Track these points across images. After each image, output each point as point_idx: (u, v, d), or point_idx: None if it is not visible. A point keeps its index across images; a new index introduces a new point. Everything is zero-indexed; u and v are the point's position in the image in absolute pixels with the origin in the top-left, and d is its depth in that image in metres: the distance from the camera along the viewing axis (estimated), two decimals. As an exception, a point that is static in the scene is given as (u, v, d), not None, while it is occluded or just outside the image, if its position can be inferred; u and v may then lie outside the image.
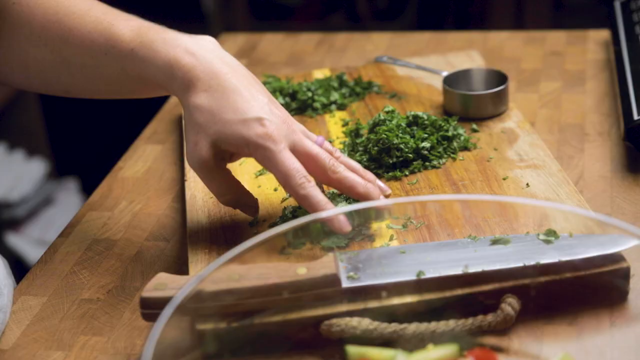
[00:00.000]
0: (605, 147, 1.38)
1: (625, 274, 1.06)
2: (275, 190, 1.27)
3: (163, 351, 0.81)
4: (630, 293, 1.06)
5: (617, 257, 1.06)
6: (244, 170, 1.33)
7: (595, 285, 1.05)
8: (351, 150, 1.33)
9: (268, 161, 1.09)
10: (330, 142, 1.39)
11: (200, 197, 1.28)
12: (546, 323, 1.04)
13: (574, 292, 1.05)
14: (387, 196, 1.18)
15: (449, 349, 0.91)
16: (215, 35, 1.32)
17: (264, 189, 1.28)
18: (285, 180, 1.09)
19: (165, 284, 1.05)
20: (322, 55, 1.80)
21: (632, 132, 1.31)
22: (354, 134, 1.36)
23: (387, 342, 1.00)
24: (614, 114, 1.46)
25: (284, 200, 1.25)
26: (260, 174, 1.31)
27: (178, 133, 1.55)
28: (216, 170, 1.13)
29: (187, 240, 1.19)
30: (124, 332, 1.11)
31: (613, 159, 1.35)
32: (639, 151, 1.33)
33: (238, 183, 1.18)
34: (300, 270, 1.03)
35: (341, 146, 1.36)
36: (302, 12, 3.75)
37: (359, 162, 1.30)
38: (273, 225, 1.18)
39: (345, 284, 1.04)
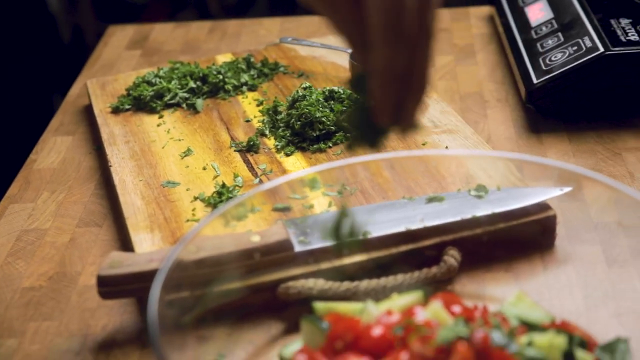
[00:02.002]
0: (506, 111, 1.47)
1: (552, 222, 1.14)
2: (204, 169, 1.30)
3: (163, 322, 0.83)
4: (557, 238, 1.15)
5: (543, 206, 1.14)
6: (169, 153, 1.35)
7: (526, 234, 1.13)
8: (272, 127, 1.37)
9: None
10: (248, 121, 1.42)
11: (130, 181, 1.29)
12: (486, 271, 1.11)
13: (508, 241, 1.12)
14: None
15: (414, 296, 0.96)
16: (95, 29, 1.33)
17: (192, 168, 1.30)
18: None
19: (120, 262, 1.06)
20: (217, 42, 1.82)
21: (533, 95, 1.41)
22: (272, 111, 1.40)
23: (341, 300, 1.05)
24: (508, 82, 1.56)
25: (215, 177, 1.27)
26: (186, 155, 1.33)
27: (86, 123, 1.55)
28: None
29: (126, 222, 1.20)
30: (75, 314, 1.11)
31: (515, 122, 1.44)
32: (540, 113, 1.43)
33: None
34: (254, 238, 1.07)
35: (260, 124, 1.40)
36: (152, 10, 3.73)
37: (282, 137, 1.34)
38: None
39: (298, 248, 1.08)
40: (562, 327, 0.91)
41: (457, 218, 1.11)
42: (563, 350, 0.86)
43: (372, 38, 0.78)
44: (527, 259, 1.13)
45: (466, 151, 1.25)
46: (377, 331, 0.85)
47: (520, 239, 1.13)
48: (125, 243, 1.22)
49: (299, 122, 1.33)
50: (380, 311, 0.92)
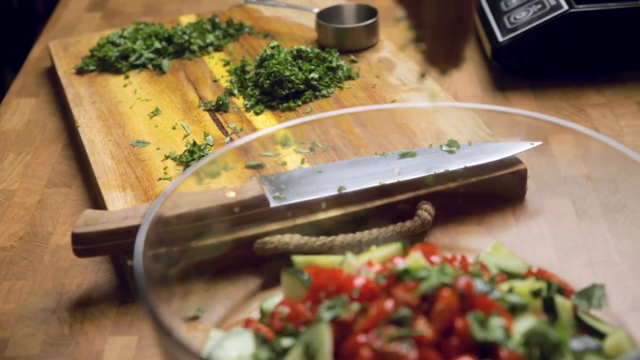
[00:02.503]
0: (472, 70, 1.48)
1: (522, 175, 1.16)
2: (174, 128, 1.29)
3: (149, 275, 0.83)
4: (528, 192, 1.16)
5: (514, 161, 1.16)
6: (137, 113, 1.34)
7: (497, 187, 1.14)
8: (240, 86, 1.37)
9: None
10: (215, 81, 1.42)
11: (99, 141, 1.28)
12: (459, 224, 1.12)
13: (480, 195, 1.14)
14: None
15: (393, 248, 0.97)
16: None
17: (162, 128, 1.30)
18: None
19: (94, 219, 1.06)
20: (179, 4, 1.81)
21: (498, 54, 1.42)
22: (240, 71, 1.40)
23: (317, 254, 1.05)
24: (473, 40, 1.57)
25: (185, 136, 1.27)
26: (154, 115, 1.33)
27: (49, 85, 1.53)
28: None
29: (96, 182, 1.19)
30: (49, 273, 1.10)
31: (481, 80, 1.45)
32: (505, 71, 1.44)
33: None
34: (229, 194, 1.07)
35: (228, 84, 1.39)
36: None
37: (251, 96, 1.34)
38: None
39: (273, 203, 1.08)
40: (540, 275, 0.92)
41: (430, 173, 1.12)
42: (542, 297, 0.87)
43: None
44: (499, 212, 1.14)
45: (438, 104, 1.26)
46: (359, 281, 0.86)
47: (492, 193, 1.14)
48: (96, 203, 1.21)
49: (267, 81, 1.33)
50: (360, 263, 0.92)
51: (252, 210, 1.07)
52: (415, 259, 0.88)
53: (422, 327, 0.78)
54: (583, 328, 0.88)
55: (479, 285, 0.83)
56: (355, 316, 0.82)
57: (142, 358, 0.98)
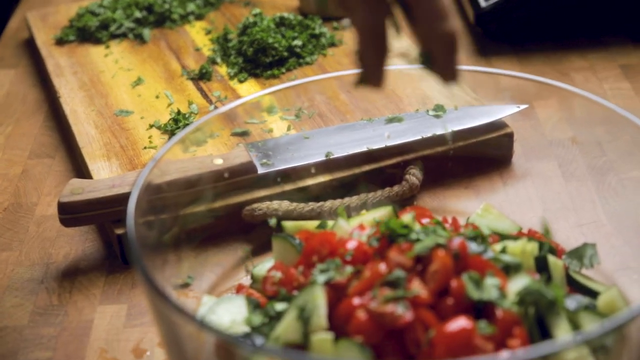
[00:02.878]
0: (455, 36, 1.48)
1: (509, 139, 1.16)
2: (157, 97, 1.28)
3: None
4: (515, 156, 1.16)
5: (500, 124, 1.16)
6: (119, 82, 1.33)
7: (484, 151, 1.14)
8: (223, 54, 1.36)
9: None
10: (197, 50, 1.40)
11: (81, 111, 1.26)
12: (446, 188, 1.12)
13: (468, 159, 1.14)
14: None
15: (384, 211, 0.97)
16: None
17: (145, 97, 1.29)
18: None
19: (81, 188, 1.05)
20: (156, -26, 1.79)
21: (481, 19, 1.42)
22: (223, 39, 1.39)
23: (306, 220, 1.05)
24: (455, 6, 1.56)
25: (169, 105, 1.26)
26: (137, 84, 1.31)
27: (28, 56, 1.51)
28: None
29: (81, 152, 1.18)
30: (35, 244, 1.09)
31: (464, 46, 1.45)
32: (488, 36, 1.44)
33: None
34: (217, 160, 1.06)
35: (211, 52, 1.38)
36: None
37: (234, 64, 1.33)
38: None
39: (261, 170, 1.07)
40: (531, 236, 0.92)
41: (418, 137, 1.12)
42: (535, 256, 0.87)
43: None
44: (487, 176, 1.14)
45: (409, 66, 1.25)
46: (352, 244, 0.85)
47: (479, 157, 1.14)
48: (80, 173, 1.20)
49: (251, 49, 1.32)
50: (352, 226, 0.92)
51: (240, 177, 1.06)
52: (407, 221, 0.88)
53: (417, 288, 0.78)
54: (575, 287, 0.88)
55: (473, 245, 0.83)
56: (349, 279, 0.82)
57: (133, 326, 0.98)
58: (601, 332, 0.69)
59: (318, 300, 0.80)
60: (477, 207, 1.06)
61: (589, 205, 1.07)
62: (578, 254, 0.92)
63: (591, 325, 0.80)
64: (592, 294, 0.87)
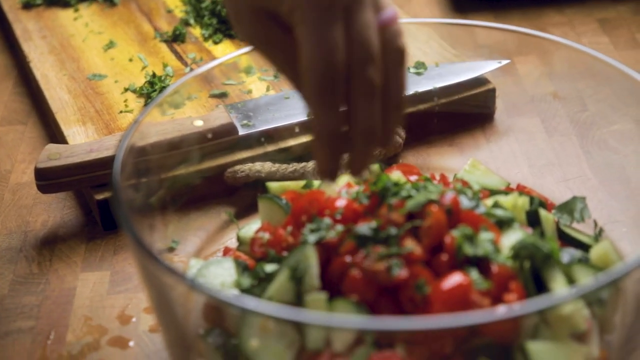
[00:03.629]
0: (430, -7, 1.47)
1: (491, 95, 1.15)
2: (130, 60, 1.25)
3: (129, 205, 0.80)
4: (497, 112, 1.15)
5: (482, 81, 1.14)
6: (90, 46, 1.29)
7: (467, 108, 1.13)
8: (197, 16, 1.33)
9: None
10: (169, 12, 1.37)
11: (53, 75, 1.23)
12: (430, 146, 1.11)
13: (450, 116, 1.12)
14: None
15: (372, 168, 0.95)
16: None
17: (118, 60, 1.26)
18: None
19: (58, 154, 1.02)
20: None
21: (457, -24, 1.40)
22: (195, 0, 1.36)
23: (289, 181, 1.03)
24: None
25: (143, 68, 1.23)
26: (109, 47, 1.28)
27: (-6, 22, 1.47)
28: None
29: (55, 117, 1.15)
30: (12, 212, 1.07)
31: (440, 2, 1.43)
32: (464, -7, 1.42)
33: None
34: (197, 122, 1.04)
35: (184, 14, 1.35)
36: None
37: (209, 25, 1.30)
38: None
39: (242, 131, 1.05)
40: (520, 190, 0.92)
41: (400, 95, 1.10)
42: (526, 211, 0.86)
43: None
44: (470, 133, 1.13)
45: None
46: (341, 202, 0.84)
47: (462, 113, 1.13)
48: (54, 139, 1.17)
49: (225, 9, 1.29)
50: (339, 185, 0.90)
51: (221, 139, 1.04)
52: (396, 178, 0.86)
53: (411, 244, 0.77)
54: (566, 241, 0.88)
55: (465, 201, 0.82)
56: (340, 238, 0.80)
57: (117, 293, 0.96)
58: (600, 284, 0.68)
59: (310, 259, 0.78)
60: (461, 164, 1.05)
61: (573, 160, 1.06)
62: (568, 208, 0.91)
63: (586, 278, 0.79)
64: (584, 247, 0.87)
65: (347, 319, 0.74)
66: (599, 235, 0.90)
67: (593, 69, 1.05)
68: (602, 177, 1.03)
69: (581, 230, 0.92)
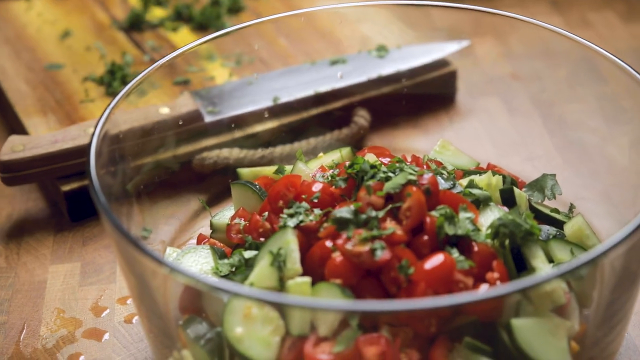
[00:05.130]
0: (384, -23, 1.47)
1: (452, 76, 1.16)
2: (88, 49, 1.24)
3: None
4: (458, 93, 1.16)
5: (443, 63, 1.15)
6: (45, 36, 1.27)
7: (429, 90, 1.14)
8: (154, 3, 1.32)
9: None
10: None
11: (9, 66, 1.21)
12: (394, 128, 1.12)
13: (413, 98, 1.13)
14: None
15: (344, 152, 0.95)
16: None
17: (75, 50, 1.24)
18: None
19: (22, 145, 1.01)
20: None
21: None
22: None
23: (257, 166, 1.03)
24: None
25: (101, 57, 1.22)
26: (65, 37, 1.26)
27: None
28: None
29: (14, 109, 1.13)
30: (-25, 206, 1.05)
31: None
32: (418, -24, 1.43)
33: None
34: (163, 110, 1.03)
35: (139, 1, 1.33)
36: None
37: (164, 13, 1.29)
38: None
39: (208, 118, 1.05)
40: (492, 169, 0.92)
41: (363, 78, 1.10)
42: (500, 189, 0.87)
43: None
44: (433, 114, 1.14)
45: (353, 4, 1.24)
46: (317, 186, 0.84)
47: (425, 95, 1.14)
48: (13, 131, 1.15)
49: (182, -4, 1.28)
50: (311, 169, 0.90)
51: (188, 126, 1.03)
52: (371, 160, 0.86)
53: (392, 226, 0.77)
54: (538, 218, 0.89)
55: (441, 181, 0.82)
56: (319, 222, 0.80)
57: (89, 284, 0.95)
58: (583, 262, 0.68)
59: (291, 244, 0.78)
60: (427, 145, 1.06)
61: (537, 139, 1.08)
62: (539, 185, 0.92)
63: (562, 253, 0.80)
64: (554, 223, 0.88)
65: (335, 302, 0.74)
66: (570, 211, 0.91)
67: (549, 47, 1.06)
68: (566, 155, 1.05)
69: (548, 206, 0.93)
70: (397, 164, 0.83)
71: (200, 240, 0.92)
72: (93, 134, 0.82)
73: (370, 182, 0.81)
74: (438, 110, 1.14)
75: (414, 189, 0.79)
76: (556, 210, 0.90)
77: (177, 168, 1.02)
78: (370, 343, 0.72)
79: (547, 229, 0.83)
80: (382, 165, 0.84)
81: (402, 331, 0.74)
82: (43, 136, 1.02)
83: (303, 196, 0.84)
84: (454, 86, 1.15)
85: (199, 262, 0.85)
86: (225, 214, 0.93)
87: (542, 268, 0.76)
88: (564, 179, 1.00)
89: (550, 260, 0.80)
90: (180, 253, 0.86)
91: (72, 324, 0.90)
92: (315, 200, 0.83)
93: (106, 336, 0.89)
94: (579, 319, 0.77)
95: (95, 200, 0.76)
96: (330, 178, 0.85)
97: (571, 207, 0.92)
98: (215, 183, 1.01)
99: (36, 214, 1.04)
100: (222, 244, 0.89)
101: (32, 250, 0.99)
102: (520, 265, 0.79)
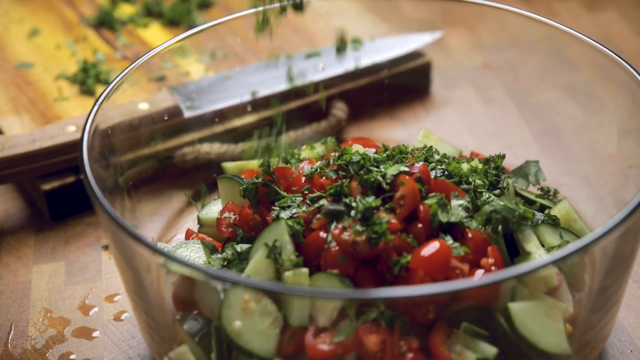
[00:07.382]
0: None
1: (427, 68, 1.16)
2: (58, 47, 1.22)
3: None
4: (433, 85, 1.17)
5: (417, 54, 1.16)
6: (13, 35, 1.26)
7: (404, 81, 1.15)
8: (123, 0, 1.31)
9: None
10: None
11: (-21, 66, 1.20)
12: (371, 120, 1.12)
13: (389, 90, 1.14)
14: None
15: (328, 144, 0.95)
16: None
17: (45, 48, 1.23)
18: None
19: (0, 145, 0.99)
20: None
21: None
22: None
23: (239, 160, 1.02)
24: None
25: (72, 55, 1.20)
26: (34, 35, 1.25)
27: None
28: None
29: (-14, 108, 1.12)
30: (-49, 208, 1.04)
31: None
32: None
33: None
34: (142, 106, 1.03)
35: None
36: None
37: (134, 9, 1.28)
38: None
39: (187, 113, 1.04)
40: (476, 156, 0.93)
41: (340, 71, 1.11)
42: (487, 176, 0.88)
43: None
44: (409, 106, 1.15)
45: None
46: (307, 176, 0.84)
47: (400, 87, 1.15)
48: (-13, 131, 1.14)
49: (152, -8, 1.27)
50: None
51: (168, 121, 1.03)
52: (359, 151, 0.86)
53: (387, 215, 0.78)
54: (526, 204, 0.90)
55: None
56: (312, 212, 0.81)
57: (75, 283, 0.94)
58: (579, 247, 0.69)
59: (286, 236, 0.78)
60: (404, 135, 1.07)
61: (514, 128, 1.09)
62: (522, 172, 0.93)
63: (552, 237, 0.82)
64: (541, 210, 0.89)
65: (337, 290, 0.74)
66: (554, 196, 0.93)
67: (520, 37, 1.08)
68: (543, 143, 1.06)
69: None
70: (394, 152, 0.83)
71: (189, 235, 0.91)
72: (84, 129, 0.82)
73: (361, 173, 0.81)
74: (414, 102, 1.15)
75: (407, 177, 0.79)
76: (541, 196, 0.92)
77: (159, 164, 1.01)
78: (370, 332, 0.73)
79: (535, 214, 0.84)
80: (370, 156, 0.84)
81: (400, 319, 0.74)
82: (20, 136, 1.00)
83: (294, 188, 0.85)
84: (428, 77, 1.16)
85: (190, 257, 0.84)
86: (212, 208, 0.93)
87: (537, 252, 0.78)
88: (543, 166, 1.01)
89: (541, 244, 0.81)
90: (171, 248, 0.86)
91: (61, 323, 0.90)
92: (307, 192, 0.83)
93: (96, 334, 0.88)
94: (572, 302, 0.78)
95: (90, 193, 0.75)
96: (319, 170, 0.85)
97: (555, 193, 0.93)
98: (198, 178, 1.01)
99: (16, 215, 1.02)
100: (211, 239, 0.89)
101: (13, 250, 0.98)
102: (511, 251, 0.80)
